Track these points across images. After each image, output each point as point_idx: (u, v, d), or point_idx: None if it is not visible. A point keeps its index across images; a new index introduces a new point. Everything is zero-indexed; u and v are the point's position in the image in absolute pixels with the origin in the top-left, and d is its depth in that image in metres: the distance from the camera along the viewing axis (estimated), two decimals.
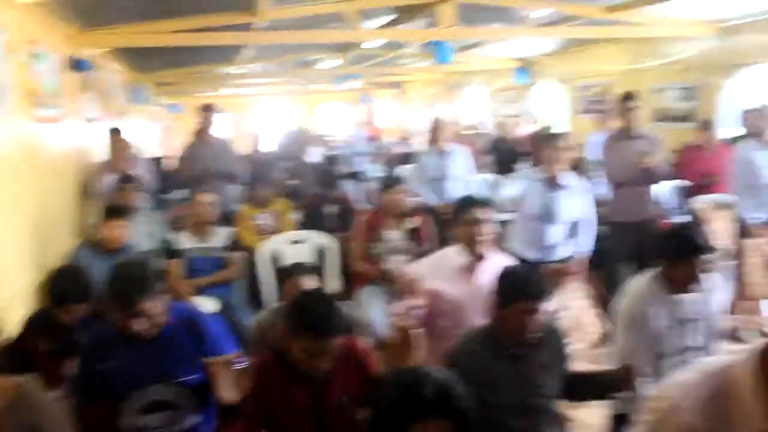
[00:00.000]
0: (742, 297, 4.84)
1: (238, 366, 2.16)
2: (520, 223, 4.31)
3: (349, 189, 6.90)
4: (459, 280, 3.08)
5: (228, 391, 2.10)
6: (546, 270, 3.17)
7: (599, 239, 4.98)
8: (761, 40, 6.63)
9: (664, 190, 6.03)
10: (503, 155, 8.29)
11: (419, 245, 4.33)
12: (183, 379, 2.37)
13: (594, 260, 4.96)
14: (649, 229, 4.72)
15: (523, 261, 3.89)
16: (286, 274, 2.99)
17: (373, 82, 15.64)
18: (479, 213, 3.10)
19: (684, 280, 2.75)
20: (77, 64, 5.25)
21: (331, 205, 5.86)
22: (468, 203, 3.18)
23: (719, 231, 5.09)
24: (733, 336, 4.79)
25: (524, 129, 10.87)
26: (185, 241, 4.37)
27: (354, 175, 9.41)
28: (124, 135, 5.89)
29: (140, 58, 7.79)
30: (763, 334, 4.81)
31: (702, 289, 2.84)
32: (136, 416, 2.32)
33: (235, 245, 4.56)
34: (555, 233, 4.18)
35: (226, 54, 8.37)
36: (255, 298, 4.98)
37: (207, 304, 4.04)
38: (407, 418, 1.32)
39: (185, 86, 12.77)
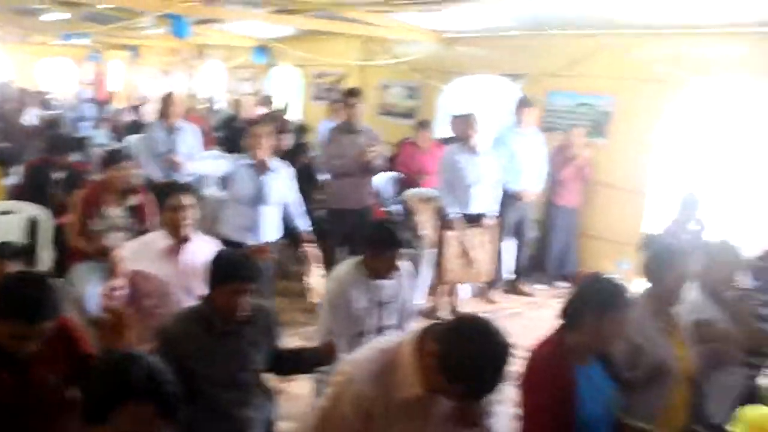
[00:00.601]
0: (441, 281, 5.50)
1: None
2: (230, 206, 4.41)
3: (74, 156, 6.38)
4: (164, 262, 3.25)
5: None
6: (252, 250, 3.39)
7: (319, 222, 5.36)
8: (475, 53, 7.57)
9: (381, 181, 6.61)
10: (234, 133, 8.35)
11: (141, 223, 4.30)
12: None
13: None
14: (364, 217, 5.13)
15: (232, 243, 4.07)
16: None
17: (104, 42, 14.60)
18: (182, 199, 3.28)
19: (383, 268, 3.14)
20: None
21: (58, 172, 5.40)
22: (171, 189, 3.39)
23: (425, 221, 5.73)
24: (431, 315, 5.48)
25: (259, 109, 11.06)
26: None
27: (79, 141, 8.79)
28: None
29: None
30: (456, 314, 5.58)
31: (398, 276, 3.28)
32: None
33: None
34: (265, 215, 4.36)
35: None
36: None
37: None
38: (115, 400, 1.33)
39: None
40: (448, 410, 1.87)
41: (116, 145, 10.18)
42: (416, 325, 3.53)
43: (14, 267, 2.66)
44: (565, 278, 6.33)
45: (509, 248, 6.13)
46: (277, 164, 4.44)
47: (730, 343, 2.95)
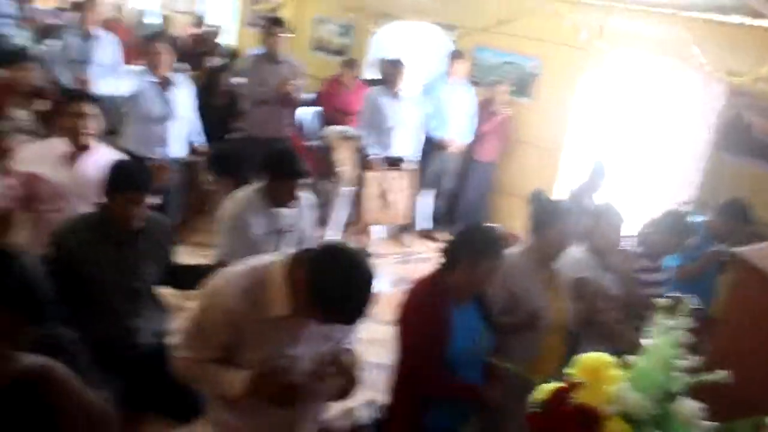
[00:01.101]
0: (358, 220, 5.60)
1: None
2: (135, 122, 4.37)
3: None
4: (62, 168, 3.22)
5: None
6: (152, 166, 3.37)
7: (234, 149, 5.36)
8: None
9: (305, 115, 6.60)
10: None
11: (48, 128, 4.18)
12: None
13: (229, 167, 5.32)
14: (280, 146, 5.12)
15: (136, 157, 4.04)
16: None
17: None
18: (84, 107, 3.25)
19: (282, 197, 3.19)
20: None
21: None
22: (73, 96, 3.36)
23: (344, 159, 5.79)
24: None
25: (190, 29, 10.72)
26: None
27: None
28: None
29: None
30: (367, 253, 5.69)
31: (298, 206, 3.34)
32: None
33: None
34: (172, 131, 4.37)
35: None
36: None
37: None
38: None
39: None
40: (314, 329, 1.97)
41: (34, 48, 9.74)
42: None
43: None
44: None
45: (427, 196, 6.28)
46: (178, 78, 4.43)
47: (609, 303, 3.11)
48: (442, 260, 2.55)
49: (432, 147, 5.94)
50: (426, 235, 6.42)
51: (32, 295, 1.35)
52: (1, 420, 1.41)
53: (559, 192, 5.86)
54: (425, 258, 5.86)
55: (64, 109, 3.26)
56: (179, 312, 3.74)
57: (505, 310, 2.79)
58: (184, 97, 4.39)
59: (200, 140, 4.62)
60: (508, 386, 2.59)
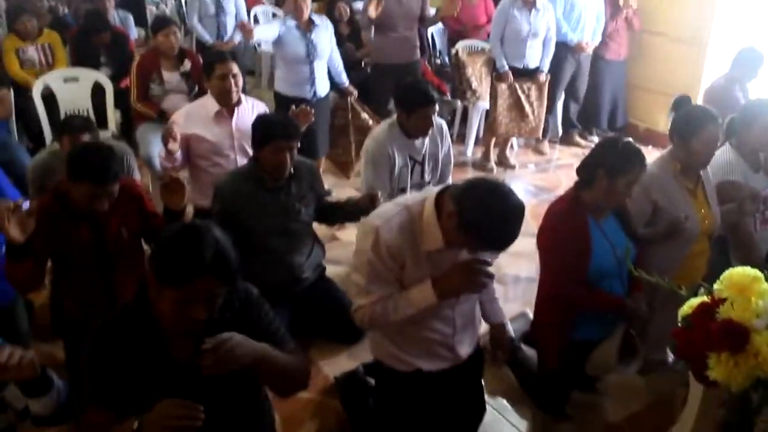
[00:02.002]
0: (492, 134, 5.57)
1: (23, 208, 2.34)
2: (282, 65, 4.54)
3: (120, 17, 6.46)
4: (215, 125, 3.49)
5: (14, 232, 2.28)
6: (298, 111, 3.57)
7: (365, 78, 5.46)
8: None
9: (431, 33, 6.55)
10: None
11: (194, 85, 4.53)
12: None
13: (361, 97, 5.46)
14: (410, 72, 5.08)
15: (290, 99, 4.33)
16: (61, 129, 3.09)
17: None
18: (229, 66, 3.46)
19: (417, 127, 3.28)
20: None
21: (101, 36, 5.36)
22: (215, 59, 3.53)
23: (475, 74, 5.75)
24: (480, 166, 5.67)
25: None
26: None
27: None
28: None
29: None
30: (506, 165, 5.72)
31: (434, 133, 3.44)
32: None
33: (2, 80, 4.34)
34: (318, 70, 4.50)
35: None
36: (32, 135, 4.92)
37: None
38: (187, 274, 1.50)
39: None
40: (467, 258, 2.07)
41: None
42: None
43: (85, 137, 2.93)
44: (617, 129, 6.35)
45: (561, 102, 6.14)
46: (320, 20, 4.53)
47: (759, 205, 2.95)
48: (580, 177, 2.58)
49: (564, 51, 5.74)
50: (563, 141, 6.31)
51: (227, 261, 1.55)
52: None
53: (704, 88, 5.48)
54: (563, 165, 5.80)
55: (212, 70, 3.48)
56: (334, 243, 4.09)
57: (649, 221, 2.78)
58: (325, 37, 4.51)
59: (343, 80, 4.75)
60: (652, 298, 2.64)
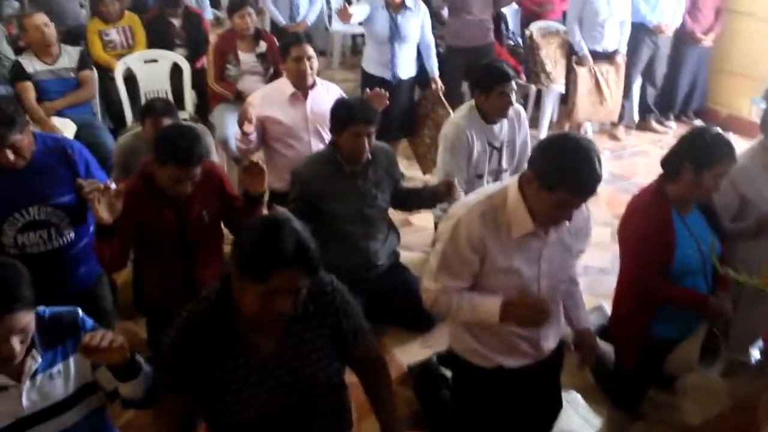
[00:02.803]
0: (569, 119, 5.45)
1: (111, 189, 2.42)
2: (369, 44, 4.57)
3: None
4: (291, 107, 3.51)
5: (104, 213, 2.38)
6: (373, 93, 3.57)
7: (439, 61, 5.40)
8: None
9: (505, 15, 6.42)
10: None
11: (270, 66, 4.56)
12: (57, 201, 2.63)
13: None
14: (484, 55, 4.96)
15: (374, 78, 4.37)
16: (144, 112, 3.18)
17: None
18: (305, 49, 3.46)
19: (495, 109, 3.22)
20: None
21: (175, 17, 5.38)
22: (291, 41, 3.52)
23: (550, 56, 5.62)
24: None
25: None
26: (33, 64, 4.25)
27: None
28: None
29: None
30: None
31: (512, 118, 3.38)
32: (16, 235, 2.60)
33: (86, 63, 4.48)
34: (402, 53, 4.49)
35: None
36: (113, 116, 5.08)
37: (65, 125, 4.14)
38: (269, 266, 1.51)
39: None
40: (553, 244, 2.04)
41: None
42: None
43: (166, 121, 3.00)
44: (696, 115, 6.14)
45: (639, 86, 5.95)
46: (413, 2, 4.49)
47: None
48: (664, 168, 2.49)
49: (642, 33, 5.54)
50: (639, 126, 6.12)
51: (308, 253, 1.55)
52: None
53: None
54: (639, 151, 5.64)
55: (288, 53, 3.50)
56: (409, 228, 4.09)
57: (736, 215, 2.68)
58: (415, 21, 4.48)
59: (432, 66, 4.72)
60: (738, 296, 2.54)
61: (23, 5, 5.96)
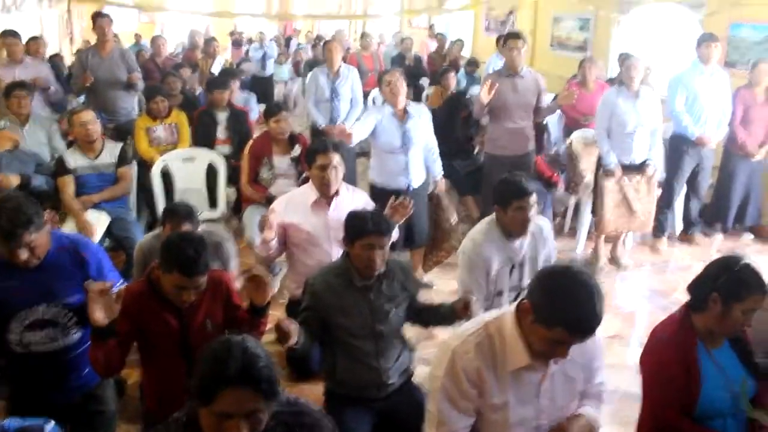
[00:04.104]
0: (599, 231, 5.26)
1: (112, 291, 2.40)
2: (378, 155, 4.55)
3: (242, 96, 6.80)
4: (313, 215, 3.49)
5: (98, 313, 2.35)
6: (398, 204, 3.53)
7: (474, 168, 5.40)
8: None
9: (549, 121, 6.45)
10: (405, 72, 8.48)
11: (303, 171, 4.60)
12: (66, 300, 2.63)
13: (471, 186, 5.39)
14: (523, 164, 5.00)
15: (382, 190, 4.32)
16: (165, 216, 3.22)
17: None
18: (331, 158, 3.45)
19: (515, 224, 3.10)
20: None
21: (223, 113, 5.65)
22: (318, 148, 3.51)
23: (590, 167, 5.53)
24: (590, 263, 5.32)
25: (430, 43, 11.07)
26: (75, 158, 4.41)
27: (266, 80, 9.35)
28: (13, 37, 5.72)
29: None
30: (616, 263, 5.38)
31: (534, 234, 3.27)
32: (22, 332, 2.59)
33: (125, 159, 4.58)
34: (414, 160, 4.48)
35: None
36: (152, 208, 5.19)
37: (99, 218, 4.23)
38: (215, 387, 1.47)
39: None
40: (556, 376, 1.92)
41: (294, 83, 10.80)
42: None
43: (185, 227, 3.02)
44: (750, 230, 5.93)
45: (681, 198, 5.81)
46: (416, 108, 4.52)
47: None
48: (691, 297, 2.34)
49: (685, 144, 5.45)
50: (682, 239, 5.93)
51: (257, 372, 1.48)
52: None
53: None
54: (682, 266, 5.42)
55: (314, 160, 3.50)
56: (428, 341, 3.93)
57: None
58: (421, 126, 4.50)
59: (438, 171, 4.70)
60: None
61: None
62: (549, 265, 1.88)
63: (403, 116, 4.41)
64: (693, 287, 2.34)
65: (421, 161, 4.57)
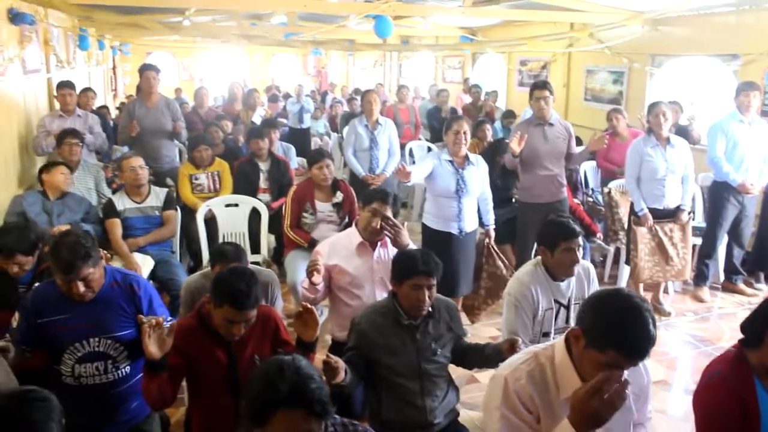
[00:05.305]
0: (634, 279, 5.18)
1: (165, 325, 2.46)
2: (432, 199, 4.60)
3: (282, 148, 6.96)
4: (357, 257, 3.53)
5: (153, 347, 2.40)
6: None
7: (512, 216, 5.40)
8: (682, 33, 7.12)
9: (584, 171, 6.47)
10: (439, 124, 8.60)
11: (344, 217, 4.68)
12: (117, 334, 2.70)
13: (508, 234, 5.39)
14: (557, 211, 4.95)
15: (439, 233, 4.37)
16: (214, 257, 3.32)
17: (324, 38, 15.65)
18: (383, 209, 3.53)
19: (561, 265, 3.12)
20: (17, 17, 5.33)
21: (265, 162, 5.78)
22: (376, 198, 3.58)
23: (625, 215, 5.52)
24: None
25: (464, 96, 11.22)
26: (123, 201, 4.56)
27: (303, 132, 9.51)
28: (70, 88, 5.96)
29: (87, 8, 7.78)
30: (660, 312, 5.19)
31: (579, 275, 3.27)
32: (74, 364, 2.66)
33: (170, 203, 4.72)
34: (467, 207, 4.51)
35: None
36: (193, 253, 5.30)
37: (144, 261, 4.33)
38: (267, 408, 1.49)
39: (133, 34, 12.61)
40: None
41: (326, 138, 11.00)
42: None
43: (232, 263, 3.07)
44: None
45: (724, 245, 5.73)
46: (475, 158, 4.59)
47: None
48: (745, 334, 2.30)
49: (726, 192, 5.41)
50: (725, 288, 5.83)
51: (308, 392, 1.50)
52: None
53: None
54: (726, 314, 5.32)
55: (369, 203, 3.56)
56: (473, 384, 3.89)
57: None
58: (478, 175, 4.57)
59: (491, 220, 4.75)
60: None
61: None
62: (599, 290, 1.87)
63: (462, 163, 4.48)
64: (747, 324, 2.30)
65: (474, 209, 4.61)
